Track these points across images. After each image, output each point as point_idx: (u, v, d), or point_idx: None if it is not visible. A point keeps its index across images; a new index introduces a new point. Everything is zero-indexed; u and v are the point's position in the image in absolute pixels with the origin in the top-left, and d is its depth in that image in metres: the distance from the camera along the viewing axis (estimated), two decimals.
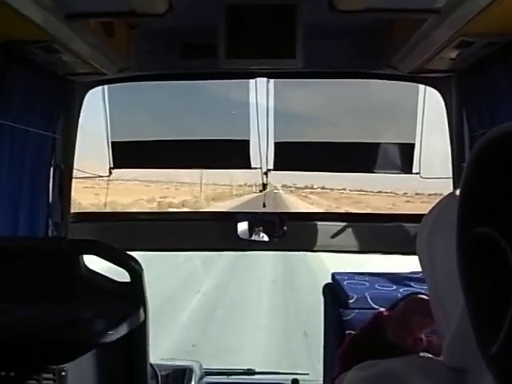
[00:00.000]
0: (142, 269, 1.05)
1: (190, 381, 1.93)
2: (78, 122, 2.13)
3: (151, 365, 1.80)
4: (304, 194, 45.02)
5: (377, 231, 2.17)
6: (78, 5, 1.46)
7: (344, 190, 48.65)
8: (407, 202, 33.12)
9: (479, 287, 0.43)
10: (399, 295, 1.61)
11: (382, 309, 0.95)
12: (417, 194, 34.64)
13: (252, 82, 2.10)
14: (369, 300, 1.64)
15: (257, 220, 2.14)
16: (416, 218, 2.09)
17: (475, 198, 0.43)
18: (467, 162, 0.45)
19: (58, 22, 1.43)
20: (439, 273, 0.56)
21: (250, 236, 2.13)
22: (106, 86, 2.18)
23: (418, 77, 1.96)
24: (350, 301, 1.66)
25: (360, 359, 0.63)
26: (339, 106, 2.29)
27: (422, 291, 0.94)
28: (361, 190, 47.13)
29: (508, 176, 0.39)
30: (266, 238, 2.13)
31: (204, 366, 2.17)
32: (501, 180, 0.40)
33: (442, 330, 0.58)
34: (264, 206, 2.30)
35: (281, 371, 2.40)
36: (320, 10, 1.52)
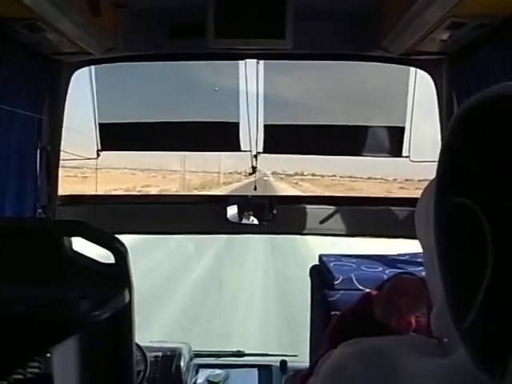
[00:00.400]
0: (126, 250, 1.04)
1: (180, 362, 1.94)
2: (64, 104, 2.09)
3: (140, 347, 1.81)
4: (295, 181, 45.06)
5: (366, 215, 2.17)
6: None
7: (334, 176, 48.86)
8: (401, 188, 33.24)
9: (454, 259, 0.42)
10: (385, 276, 1.62)
11: (367, 290, 0.95)
12: (406, 179, 34.85)
13: (242, 64, 2.08)
14: (354, 281, 1.65)
15: (246, 203, 2.14)
16: (405, 202, 2.10)
17: (456, 166, 0.42)
18: (450, 126, 0.44)
19: None
20: (433, 246, 0.55)
21: (240, 220, 2.13)
22: (93, 67, 2.14)
23: (408, 59, 1.95)
24: (336, 282, 1.66)
25: (347, 338, 0.63)
26: (329, 91, 2.27)
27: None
28: (351, 177, 47.39)
29: (493, 142, 0.38)
30: (255, 222, 2.13)
31: (193, 348, 2.18)
32: (485, 146, 0.39)
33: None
34: (255, 189, 2.30)
35: (270, 353, 2.42)
36: None
